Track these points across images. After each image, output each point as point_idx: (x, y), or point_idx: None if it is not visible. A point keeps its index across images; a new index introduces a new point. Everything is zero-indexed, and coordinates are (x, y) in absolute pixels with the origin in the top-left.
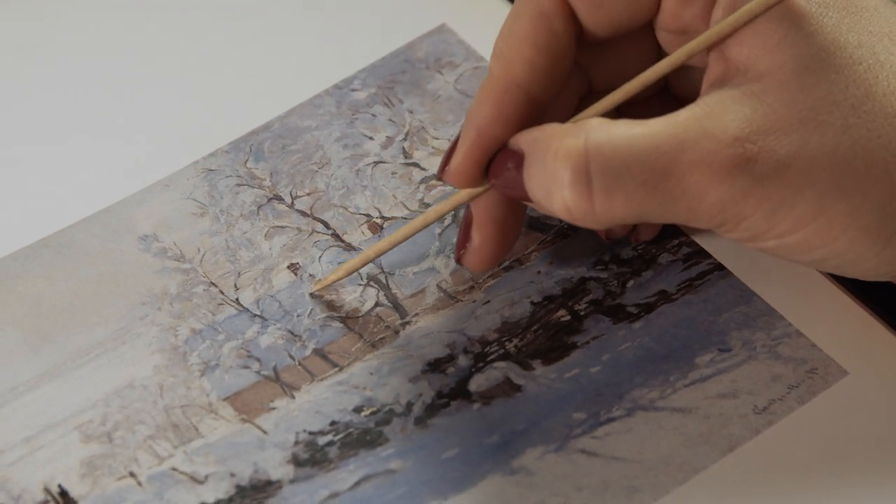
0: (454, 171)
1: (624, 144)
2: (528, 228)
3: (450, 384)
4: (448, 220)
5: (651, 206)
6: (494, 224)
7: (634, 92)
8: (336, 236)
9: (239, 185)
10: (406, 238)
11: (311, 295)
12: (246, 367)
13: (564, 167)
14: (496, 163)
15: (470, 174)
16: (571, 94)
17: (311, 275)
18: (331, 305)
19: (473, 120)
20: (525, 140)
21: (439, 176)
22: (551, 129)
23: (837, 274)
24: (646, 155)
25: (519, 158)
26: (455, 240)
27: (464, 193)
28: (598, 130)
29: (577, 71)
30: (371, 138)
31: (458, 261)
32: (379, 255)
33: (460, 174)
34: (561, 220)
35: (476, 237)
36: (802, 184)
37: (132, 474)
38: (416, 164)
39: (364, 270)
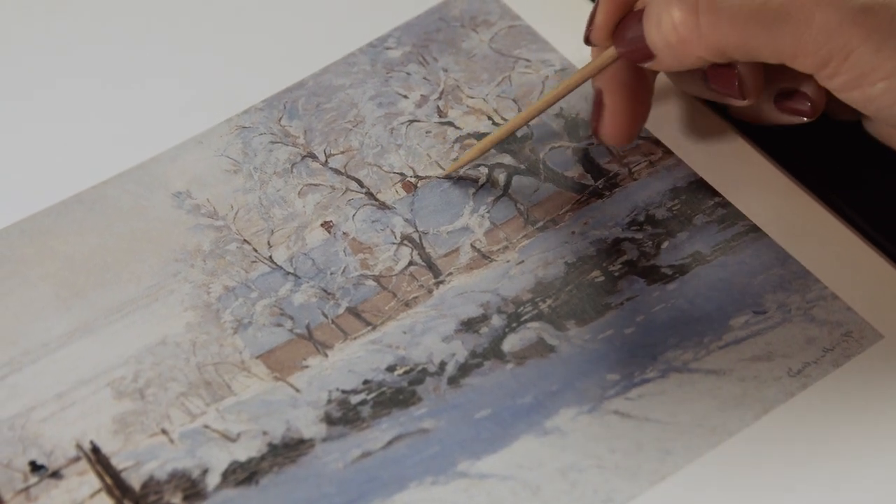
0: (599, 25)
1: None
2: (562, 188)
3: (483, 344)
4: (482, 181)
5: (756, 29)
6: (624, 87)
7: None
8: (370, 194)
9: (273, 142)
10: (537, 114)
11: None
12: (279, 324)
13: None
14: (620, 27)
15: (611, 29)
16: None
17: (344, 233)
18: (364, 263)
19: None
20: None
21: (586, 37)
22: None
23: None
24: None
25: (640, 15)
26: (489, 199)
27: (592, 65)
28: None
29: None
30: (405, 97)
31: (596, 133)
32: (514, 130)
33: (605, 29)
34: (596, 180)
35: (609, 102)
36: None
37: (164, 431)
38: (450, 123)
39: (398, 230)
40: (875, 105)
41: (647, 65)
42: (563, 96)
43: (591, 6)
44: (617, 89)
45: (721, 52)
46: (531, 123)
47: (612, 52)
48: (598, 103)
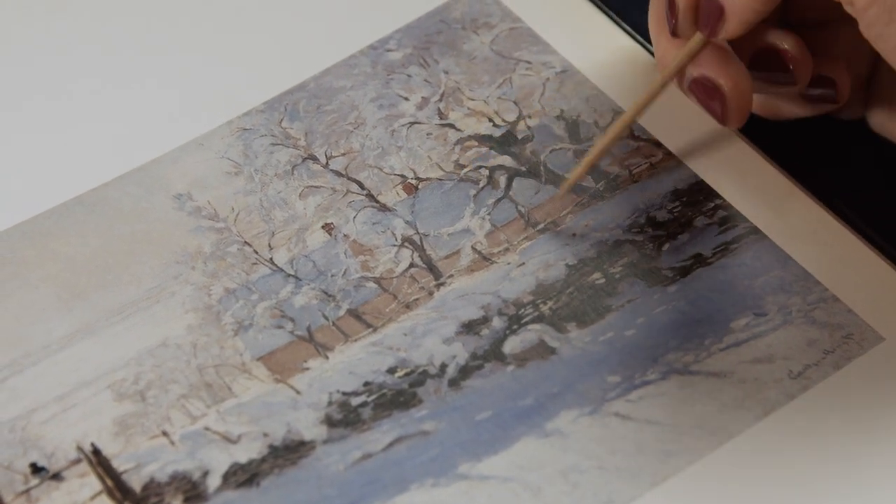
0: (684, 11)
1: None
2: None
3: (484, 346)
4: (483, 182)
5: None
6: (731, 65)
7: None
8: (371, 196)
9: (274, 144)
10: (639, 113)
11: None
12: (279, 326)
13: None
14: (700, 10)
15: (694, 16)
16: None
17: (345, 235)
18: (365, 265)
19: None
20: None
21: (672, 30)
22: None
23: None
24: None
25: None
26: (490, 201)
27: (683, 53)
28: None
29: None
30: (406, 99)
31: (726, 121)
32: (619, 136)
33: (689, 12)
34: (597, 182)
35: (726, 83)
36: None
37: (165, 433)
38: (451, 125)
39: (399, 232)
40: None
41: (720, 34)
42: (662, 91)
43: (591, 8)
44: (727, 70)
45: None
46: (531, 125)
47: (698, 37)
48: (712, 92)
